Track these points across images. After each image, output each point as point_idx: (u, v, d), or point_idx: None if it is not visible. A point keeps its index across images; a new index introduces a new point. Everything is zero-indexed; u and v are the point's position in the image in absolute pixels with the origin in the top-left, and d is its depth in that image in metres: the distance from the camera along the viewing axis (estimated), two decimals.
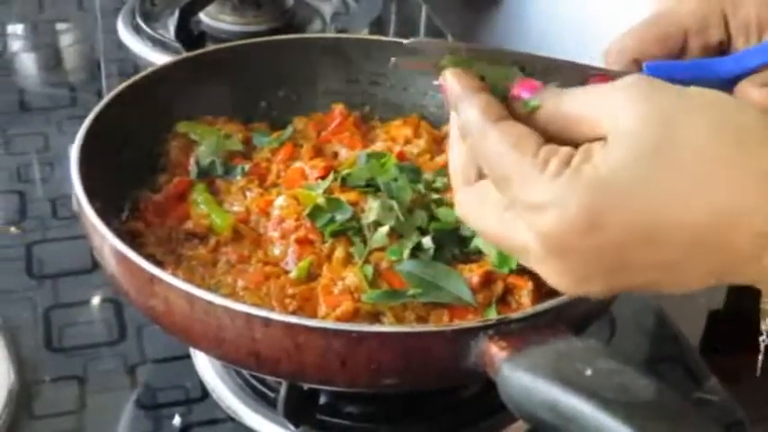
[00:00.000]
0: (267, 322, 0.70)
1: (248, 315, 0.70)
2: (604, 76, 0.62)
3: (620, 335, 1.01)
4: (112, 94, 0.93)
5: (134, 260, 0.74)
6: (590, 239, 0.53)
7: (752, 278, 0.54)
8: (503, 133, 0.57)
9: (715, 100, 0.54)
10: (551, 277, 0.57)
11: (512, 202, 0.56)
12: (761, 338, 0.60)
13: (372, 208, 0.87)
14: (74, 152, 0.85)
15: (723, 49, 0.69)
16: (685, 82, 0.58)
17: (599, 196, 0.52)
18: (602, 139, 0.54)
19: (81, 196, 0.80)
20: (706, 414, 0.89)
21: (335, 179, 0.91)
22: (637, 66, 0.67)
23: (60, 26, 1.58)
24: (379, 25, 1.55)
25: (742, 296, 0.67)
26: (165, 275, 0.73)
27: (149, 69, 0.99)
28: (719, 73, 0.67)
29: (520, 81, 0.59)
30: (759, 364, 0.68)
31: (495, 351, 0.69)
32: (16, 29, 1.57)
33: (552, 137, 0.57)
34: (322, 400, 0.86)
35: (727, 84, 0.67)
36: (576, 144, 0.55)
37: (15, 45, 1.53)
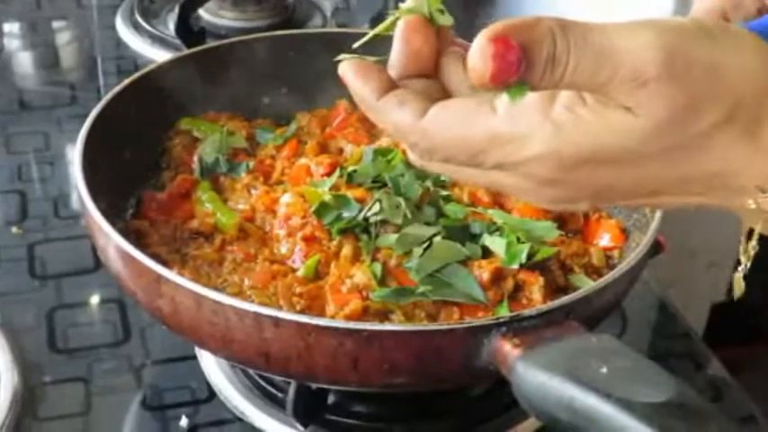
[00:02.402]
0: (277, 322, 0.69)
1: (257, 315, 0.69)
2: None
3: (630, 330, 1.00)
4: (113, 92, 0.92)
5: (140, 260, 0.73)
6: (585, 176, 0.53)
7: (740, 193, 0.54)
8: (450, 113, 0.54)
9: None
10: (537, 201, 0.57)
11: (496, 164, 0.53)
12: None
13: (376, 202, 0.85)
14: (76, 152, 0.84)
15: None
16: None
17: (603, 147, 0.52)
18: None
19: (85, 196, 0.79)
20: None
21: (341, 176, 0.90)
22: None
23: (58, 24, 1.56)
24: (379, 20, 1.54)
25: (746, 289, 0.66)
26: (171, 275, 0.72)
27: (150, 66, 0.98)
28: None
29: None
30: None
31: (509, 349, 0.68)
32: (14, 27, 1.55)
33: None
34: (331, 399, 0.85)
35: None
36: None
37: (13, 44, 1.52)
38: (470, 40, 0.53)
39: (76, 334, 0.96)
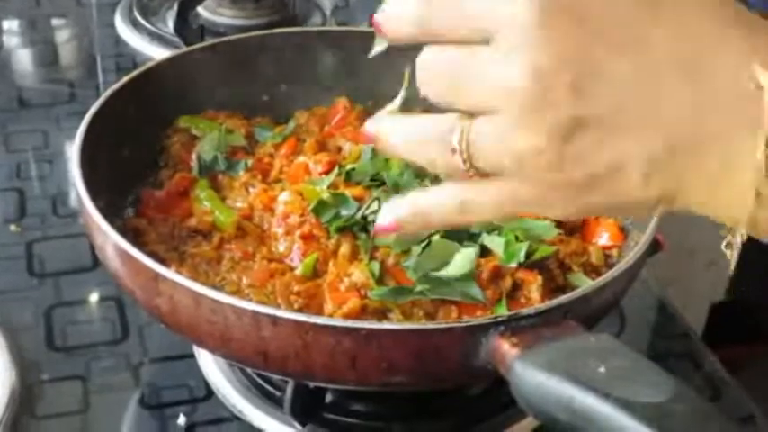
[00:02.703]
0: (275, 320, 0.68)
1: (255, 313, 0.69)
2: None
3: (628, 330, 1.00)
4: (112, 89, 0.91)
5: (138, 258, 0.73)
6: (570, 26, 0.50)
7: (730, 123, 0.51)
8: None
9: None
10: (512, 64, 0.50)
11: None
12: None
13: (375, 201, 0.85)
14: (74, 150, 0.83)
15: None
16: None
17: None
18: None
19: (83, 194, 0.79)
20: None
21: (340, 174, 0.90)
22: None
23: (57, 22, 1.56)
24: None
25: (744, 288, 0.66)
26: (169, 273, 0.72)
27: (149, 64, 0.98)
28: None
29: None
30: None
31: (507, 348, 0.68)
32: (13, 25, 1.55)
33: None
34: (329, 398, 0.85)
35: None
36: None
37: (12, 41, 1.52)
38: None
39: (75, 332, 0.96)
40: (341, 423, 0.86)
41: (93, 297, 1.01)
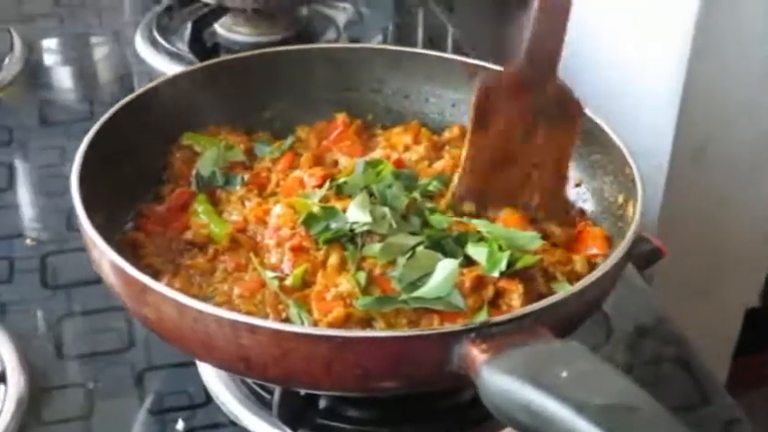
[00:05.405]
0: (253, 329, 0.72)
1: (234, 322, 0.72)
2: None
3: (617, 334, 1.01)
4: (111, 111, 0.95)
5: (127, 271, 0.76)
6: None
7: None
8: None
9: None
10: None
11: None
12: None
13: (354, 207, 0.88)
14: (74, 169, 0.87)
15: None
16: None
17: None
18: None
19: (80, 212, 0.83)
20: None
21: (331, 187, 0.93)
22: None
23: (77, 41, 1.60)
24: (392, 33, 1.57)
25: None
26: (156, 285, 0.75)
27: (150, 84, 1.01)
28: None
29: None
30: None
31: (476, 354, 0.70)
32: (36, 44, 1.59)
33: None
34: (322, 404, 0.88)
35: None
36: None
37: (33, 60, 1.56)
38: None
39: (83, 341, 1.00)
40: (334, 428, 0.88)
41: (102, 308, 1.04)
